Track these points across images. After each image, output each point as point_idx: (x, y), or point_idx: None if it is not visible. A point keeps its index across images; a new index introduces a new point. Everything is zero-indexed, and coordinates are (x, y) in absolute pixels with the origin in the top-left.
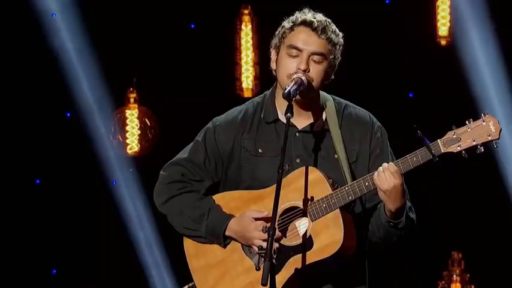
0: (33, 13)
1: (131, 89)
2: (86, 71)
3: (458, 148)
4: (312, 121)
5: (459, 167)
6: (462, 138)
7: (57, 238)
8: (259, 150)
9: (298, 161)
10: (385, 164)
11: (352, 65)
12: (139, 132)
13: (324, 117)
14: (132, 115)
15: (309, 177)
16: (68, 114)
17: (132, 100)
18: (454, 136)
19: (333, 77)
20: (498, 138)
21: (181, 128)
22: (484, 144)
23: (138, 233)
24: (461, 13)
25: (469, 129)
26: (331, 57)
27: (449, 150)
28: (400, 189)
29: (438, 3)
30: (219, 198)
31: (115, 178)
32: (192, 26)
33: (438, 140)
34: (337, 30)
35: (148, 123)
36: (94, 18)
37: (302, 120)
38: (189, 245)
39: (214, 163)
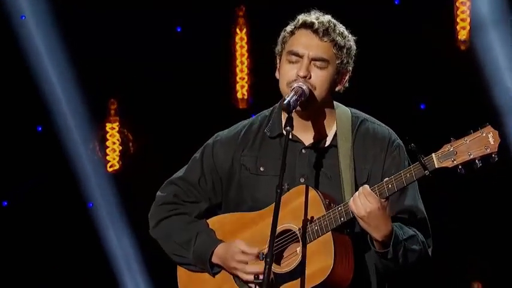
0: (1, 15)
1: (112, 99)
2: (60, 79)
3: (454, 163)
4: (321, 136)
5: (480, 190)
6: (458, 152)
7: (27, 267)
8: (261, 169)
9: (302, 180)
10: (361, 188)
11: (355, 74)
12: (120, 147)
13: (334, 132)
14: (112, 128)
15: (305, 197)
16: (39, 128)
17: (112, 112)
18: (451, 149)
19: (346, 84)
20: (496, 152)
21: (168, 143)
22: (482, 158)
23: (120, 263)
24: (482, 14)
25: (466, 142)
26: (337, 62)
27: (443, 165)
28: (379, 214)
29: (457, 4)
30: (215, 221)
31: (93, 199)
32: (179, 30)
33: (433, 154)
34: (346, 32)
35: (131, 137)
36: (70, 20)
37: (309, 135)
38: (181, 273)
39: (211, 183)
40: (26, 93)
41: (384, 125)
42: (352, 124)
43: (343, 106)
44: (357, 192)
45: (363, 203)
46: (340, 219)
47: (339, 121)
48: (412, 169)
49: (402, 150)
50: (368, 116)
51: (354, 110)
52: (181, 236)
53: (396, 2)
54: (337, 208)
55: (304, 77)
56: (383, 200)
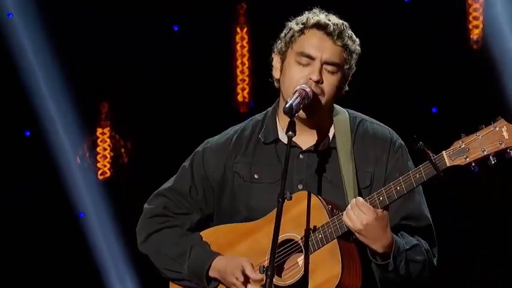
0: None
1: (103, 102)
2: (49, 80)
3: (466, 160)
4: (318, 139)
5: (493, 186)
6: (470, 148)
7: (15, 281)
8: (255, 176)
9: (300, 187)
10: (353, 200)
11: (364, 75)
12: (112, 154)
13: (332, 134)
14: (103, 134)
15: (306, 203)
16: (28, 133)
17: (103, 116)
18: (462, 146)
19: (346, 88)
20: None
21: (162, 149)
22: (496, 154)
23: (112, 276)
24: (496, 12)
25: (478, 137)
26: (346, 67)
27: (455, 163)
28: (377, 225)
29: (470, 1)
30: (209, 233)
31: (84, 209)
32: (176, 29)
33: (443, 152)
34: (354, 36)
35: (123, 143)
36: (58, 19)
37: (307, 139)
38: None
39: (202, 192)
40: (12, 95)
41: (383, 124)
42: (351, 125)
43: (339, 107)
44: (349, 205)
45: (358, 215)
46: (346, 226)
47: (337, 122)
48: (422, 169)
49: (405, 150)
50: (366, 116)
51: (350, 111)
52: (174, 249)
53: (406, 0)
54: (342, 214)
55: (317, 82)
56: (380, 210)
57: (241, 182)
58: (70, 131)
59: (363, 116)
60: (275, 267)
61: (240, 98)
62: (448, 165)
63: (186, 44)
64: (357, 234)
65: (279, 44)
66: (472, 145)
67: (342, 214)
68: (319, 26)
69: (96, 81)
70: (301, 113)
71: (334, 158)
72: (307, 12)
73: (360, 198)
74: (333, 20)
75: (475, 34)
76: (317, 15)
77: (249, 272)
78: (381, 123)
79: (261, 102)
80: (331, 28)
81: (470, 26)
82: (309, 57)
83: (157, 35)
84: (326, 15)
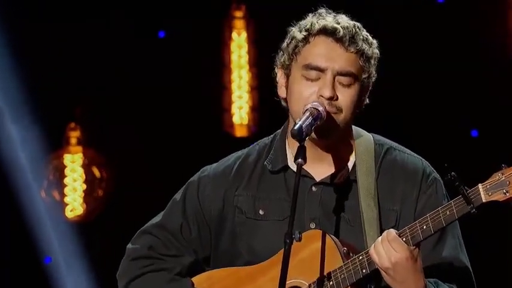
0: None
1: (72, 124)
2: (8, 98)
3: (506, 195)
4: (335, 169)
5: None
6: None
7: None
8: (260, 212)
9: (312, 226)
10: (385, 232)
11: (390, 91)
12: (84, 186)
13: (352, 163)
14: (73, 162)
15: (316, 245)
16: None
17: (73, 140)
18: (502, 178)
19: (367, 101)
20: None
21: (145, 180)
22: None
23: None
24: None
25: None
26: (364, 76)
27: (493, 198)
28: (408, 266)
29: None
30: (202, 279)
31: (51, 253)
32: (162, 35)
33: (479, 185)
34: (370, 37)
35: (98, 174)
36: (21, 23)
37: (321, 169)
38: None
39: (196, 230)
40: None
41: (415, 154)
42: (376, 154)
43: (364, 131)
44: (379, 238)
45: (387, 251)
46: (362, 271)
47: (359, 150)
48: (453, 205)
49: (440, 185)
50: (395, 143)
51: (377, 137)
52: None
53: (440, 1)
54: (358, 257)
55: (331, 98)
56: (413, 248)
57: (244, 219)
58: (32, 158)
59: (392, 143)
60: None
61: (236, 119)
62: (484, 200)
63: (173, 53)
64: (383, 274)
65: (281, 57)
66: None
67: (359, 256)
68: (327, 32)
69: (64, 99)
70: (313, 135)
71: (353, 193)
72: (311, 15)
73: (393, 231)
74: (343, 22)
75: None
76: (323, 18)
77: None
78: (412, 153)
79: (265, 125)
80: (341, 33)
81: None
82: (318, 70)
83: (140, 43)
84: (334, 16)
